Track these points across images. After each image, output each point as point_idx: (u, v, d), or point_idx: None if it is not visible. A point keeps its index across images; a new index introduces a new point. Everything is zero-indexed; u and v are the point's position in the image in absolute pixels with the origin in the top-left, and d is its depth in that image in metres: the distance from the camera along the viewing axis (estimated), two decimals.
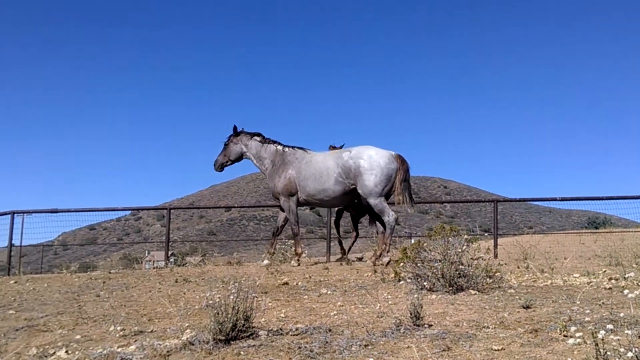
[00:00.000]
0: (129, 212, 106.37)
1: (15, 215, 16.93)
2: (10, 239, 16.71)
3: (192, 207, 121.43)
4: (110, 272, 11.83)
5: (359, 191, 11.00)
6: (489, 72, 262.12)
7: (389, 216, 10.89)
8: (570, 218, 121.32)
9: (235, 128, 12.45)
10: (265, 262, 11.45)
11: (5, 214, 16.96)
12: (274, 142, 12.22)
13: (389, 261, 10.47)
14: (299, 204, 11.83)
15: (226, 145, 12.55)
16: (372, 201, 10.89)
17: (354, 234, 12.86)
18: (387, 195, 11.06)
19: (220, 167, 12.64)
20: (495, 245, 14.44)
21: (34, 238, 19.31)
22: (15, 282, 10.65)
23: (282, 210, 11.96)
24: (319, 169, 11.37)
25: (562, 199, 16.14)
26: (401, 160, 11.09)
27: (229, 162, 12.59)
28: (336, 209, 13.00)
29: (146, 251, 61.20)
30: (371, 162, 10.89)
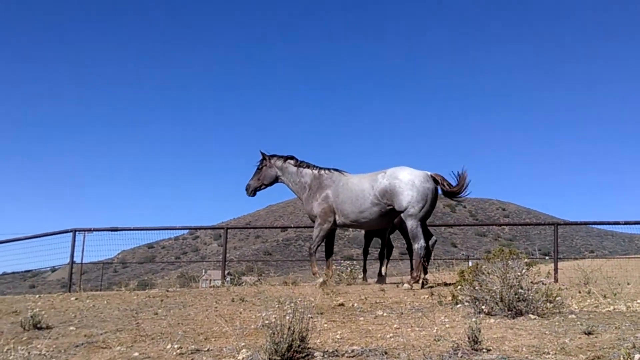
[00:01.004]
0: (187, 231, 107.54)
1: (77, 232, 17.28)
2: (72, 256, 17.06)
3: (248, 227, 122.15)
4: (167, 291, 11.96)
5: (398, 211, 10.92)
6: (551, 91, 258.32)
7: (419, 244, 10.76)
8: (633, 242, 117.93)
9: (262, 153, 12.57)
10: (320, 280, 11.45)
11: (67, 231, 17.33)
12: (309, 165, 12.27)
13: (423, 286, 10.57)
14: (337, 226, 11.84)
15: (259, 169, 12.63)
16: (409, 223, 10.80)
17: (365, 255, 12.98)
18: (424, 217, 10.94)
19: (253, 192, 12.69)
20: (556, 270, 14.17)
21: (95, 256, 19.70)
22: (76, 299, 10.87)
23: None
24: (355, 191, 11.35)
25: (626, 223, 15.73)
26: (440, 179, 11.06)
27: (263, 187, 12.68)
28: (364, 237, 12.97)
29: (203, 270, 61.68)
30: (406, 181, 10.83)
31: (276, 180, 12.55)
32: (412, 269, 10.94)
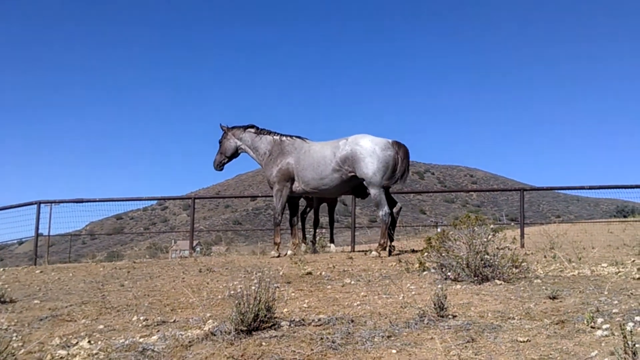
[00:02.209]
0: (156, 201, 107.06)
1: (43, 205, 17.06)
2: (37, 228, 16.86)
3: (216, 197, 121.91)
4: (134, 262, 11.87)
5: (360, 178, 10.87)
6: (514, 59, 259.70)
7: (382, 211, 10.70)
8: (598, 207, 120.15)
9: (222, 126, 12.53)
10: (274, 253, 11.49)
11: (31, 203, 17.11)
12: (270, 132, 12.17)
13: (390, 253, 10.59)
14: (297, 194, 11.81)
15: (221, 142, 12.57)
16: (372, 191, 10.75)
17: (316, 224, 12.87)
18: (387, 185, 10.90)
19: (220, 166, 12.66)
20: (522, 235, 14.32)
21: (62, 228, 19.42)
22: (41, 272, 10.74)
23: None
24: (317, 158, 11.25)
25: (590, 187, 15.93)
26: (398, 146, 10.93)
27: (227, 160, 12.61)
28: (314, 208, 12.94)
29: (172, 240, 61.56)
30: (367, 148, 10.75)
31: (237, 151, 12.46)
32: (381, 237, 10.93)
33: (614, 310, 5.10)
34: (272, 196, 11.90)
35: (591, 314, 4.81)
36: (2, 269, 11.97)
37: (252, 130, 12.24)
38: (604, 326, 4.45)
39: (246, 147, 12.28)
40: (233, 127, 12.43)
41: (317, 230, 12.89)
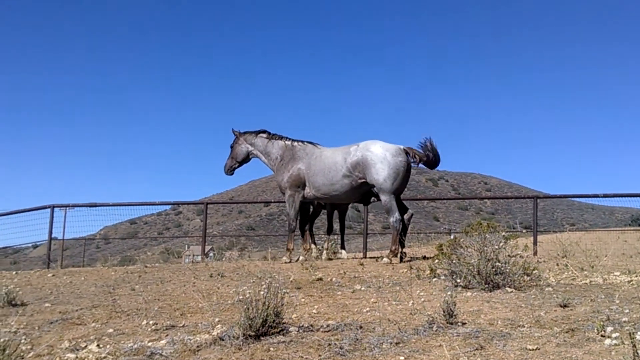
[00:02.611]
0: (170, 206, 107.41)
1: (57, 209, 17.16)
2: (50, 232, 16.97)
3: (229, 202, 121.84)
4: (146, 266, 11.92)
5: (371, 184, 10.84)
6: (527, 65, 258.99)
7: (393, 217, 10.68)
8: (613, 215, 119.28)
9: (234, 131, 12.52)
10: (286, 259, 11.47)
11: (45, 207, 17.21)
12: (282, 137, 12.16)
13: (401, 260, 10.57)
14: (309, 200, 11.78)
15: (232, 147, 12.59)
16: (383, 197, 10.73)
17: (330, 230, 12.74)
18: (398, 191, 10.90)
19: (230, 171, 12.70)
20: (535, 243, 14.26)
21: (76, 232, 19.54)
22: (53, 276, 10.79)
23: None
24: (328, 163, 11.22)
25: (605, 196, 15.85)
26: (409, 153, 10.93)
27: (237, 165, 12.63)
28: (327, 215, 12.86)
29: (186, 245, 61.70)
30: (378, 155, 10.72)
31: (248, 156, 12.47)
32: (392, 244, 10.90)
33: (624, 319, 5.06)
34: (284, 202, 11.89)
35: (601, 323, 4.77)
36: (15, 272, 12.04)
37: (264, 135, 12.25)
38: (614, 335, 4.41)
39: (258, 152, 12.28)
40: (245, 132, 12.44)
41: (329, 237, 12.85)
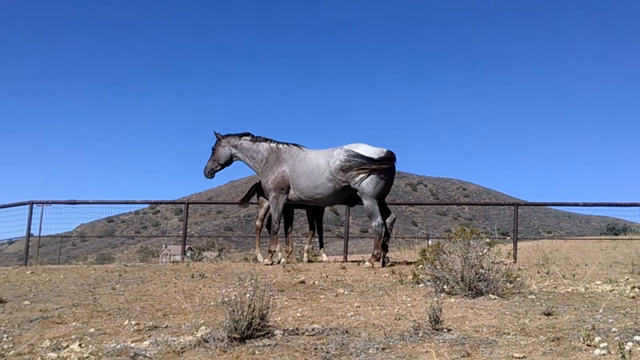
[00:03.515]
0: (147, 205, 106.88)
1: (35, 205, 16.97)
2: (29, 229, 16.77)
3: (209, 202, 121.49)
4: (126, 265, 11.82)
5: (354, 189, 10.81)
6: (508, 74, 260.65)
7: (376, 221, 10.64)
8: (589, 224, 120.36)
9: (216, 133, 12.40)
10: (268, 260, 11.43)
11: (24, 203, 17.03)
12: (266, 139, 12.08)
13: (384, 264, 10.57)
14: (293, 202, 11.69)
15: (214, 150, 12.43)
16: (365, 202, 10.69)
17: (311, 232, 12.57)
18: (380, 195, 10.86)
19: (211, 174, 12.53)
20: (515, 250, 14.30)
21: (53, 229, 19.31)
22: (32, 273, 10.66)
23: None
24: (311, 166, 11.18)
25: (585, 204, 15.96)
26: (393, 157, 10.88)
27: (219, 167, 12.46)
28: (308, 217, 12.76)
29: (163, 245, 61.42)
30: None
31: (231, 159, 12.33)
32: (375, 249, 10.87)
33: (611, 329, 5.06)
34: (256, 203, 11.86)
35: (587, 332, 4.78)
36: None
37: (248, 138, 12.14)
38: (602, 345, 4.42)
39: (241, 155, 12.17)
40: (227, 135, 12.31)
41: (310, 239, 12.76)
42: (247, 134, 12.19)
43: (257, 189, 12.58)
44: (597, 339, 4.62)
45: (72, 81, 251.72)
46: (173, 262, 13.75)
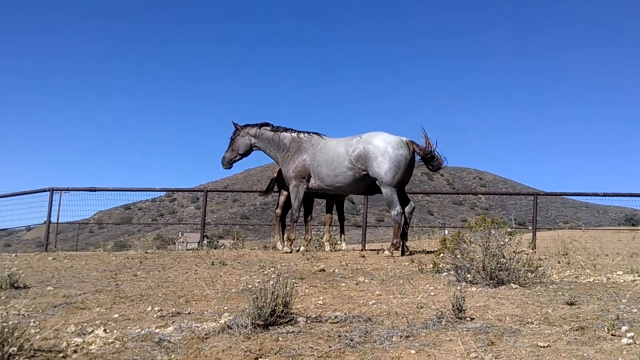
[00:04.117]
0: (164, 193, 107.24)
1: (54, 192, 17.07)
2: (49, 215, 16.89)
3: (227, 190, 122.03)
4: (146, 252, 11.87)
5: (373, 177, 10.83)
6: (527, 64, 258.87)
7: (395, 210, 10.63)
8: (607, 214, 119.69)
9: (235, 124, 12.34)
10: (287, 248, 11.49)
11: (44, 190, 17.13)
12: (287, 129, 12.05)
13: (403, 253, 10.58)
14: (314, 190, 11.70)
15: (232, 140, 12.36)
16: (384, 190, 10.69)
17: (329, 220, 12.55)
18: (400, 184, 10.85)
19: (229, 164, 12.46)
20: (534, 240, 14.24)
21: (71, 216, 19.48)
22: (54, 259, 10.74)
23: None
24: (331, 154, 11.19)
25: (605, 195, 15.87)
26: (414, 146, 10.90)
27: (238, 157, 12.39)
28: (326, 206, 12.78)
29: (179, 232, 61.62)
30: (379, 147, 10.68)
31: (251, 148, 12.28)
32: (394, 237, 10.86)
33: (637, 319, 5.03)
34: (277, 192, 11.90)
35: (612, 322, 4.77)
36: (14, 255, 11.99)
37: (268, 128, 12.12)
38: (628, 334, 4.41)
39: (262, 145, 12.14)
40: (247, 125, 12.27)
41: (328, 228, 12.76)
42: (267, 124, 12.15)
43: (278, 178, 12.59)
44: (624, 328, 4.61)
45: (90, 71, 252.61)
46: (193, 249, 13.82)
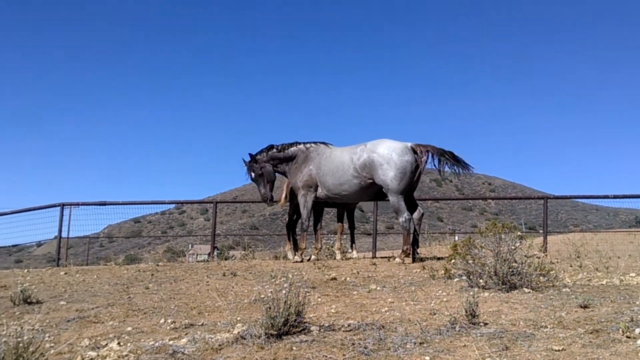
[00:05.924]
0: (173, 205, 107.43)
1: (64, 207, 17.13)
2: (60, 230, 16.94)
3: (237, 202, 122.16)
4: (157, 265, 11.90)
5: (378, 185, 10.78)
6: (533, 68, 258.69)
7: (403, 217, 10.57)
8: (617, 217, 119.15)
9: (249, 157, 12.28)
10: (298, 258, 11.45)
11: (55, 205, 17.19)
12: (292, 144, 12.05)
13: (414, 260, 10.52)
14: (321, 199, 11.69)
15: (258, 175, 12.26)
16: (391, 198, 10.66)
17: (340, 228, 12.51)
18: (406, 190, 10.78)
19: (271, 198, 12.45)
20: (545, 243, 14.20)
21: (81, 230, 19.53)
22: (65, 274, 10.78)
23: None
24: (337, 163, 11.17)
25: (615, 197, 15.78)
26: (419, 151, 10.76)
27: (270, 186, 12.35)
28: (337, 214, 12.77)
29: (189, 244, 61.71)
30: (384, 155, 10.62)
31: (274, 172, 12.27)
32: (404, 244, 10.83)
33: None
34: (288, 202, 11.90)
35: (626, 324, 4.75)
36: (26, 270, 12.03)
37: (275, 150, 12.09)
38: None
39: (280, 166, 12.16)
40: (256, 155, 12.24)
41: (339, 236, 12.75)
42: (271, 147, 12.15)
43: (289, 188, 12.62)
44: (638, 330, 4.59)
45: (98, 83, 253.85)
46: (204, 261, 13.82)
